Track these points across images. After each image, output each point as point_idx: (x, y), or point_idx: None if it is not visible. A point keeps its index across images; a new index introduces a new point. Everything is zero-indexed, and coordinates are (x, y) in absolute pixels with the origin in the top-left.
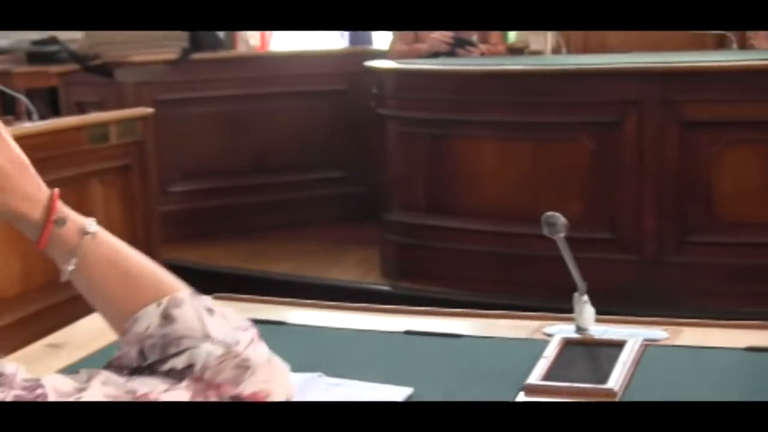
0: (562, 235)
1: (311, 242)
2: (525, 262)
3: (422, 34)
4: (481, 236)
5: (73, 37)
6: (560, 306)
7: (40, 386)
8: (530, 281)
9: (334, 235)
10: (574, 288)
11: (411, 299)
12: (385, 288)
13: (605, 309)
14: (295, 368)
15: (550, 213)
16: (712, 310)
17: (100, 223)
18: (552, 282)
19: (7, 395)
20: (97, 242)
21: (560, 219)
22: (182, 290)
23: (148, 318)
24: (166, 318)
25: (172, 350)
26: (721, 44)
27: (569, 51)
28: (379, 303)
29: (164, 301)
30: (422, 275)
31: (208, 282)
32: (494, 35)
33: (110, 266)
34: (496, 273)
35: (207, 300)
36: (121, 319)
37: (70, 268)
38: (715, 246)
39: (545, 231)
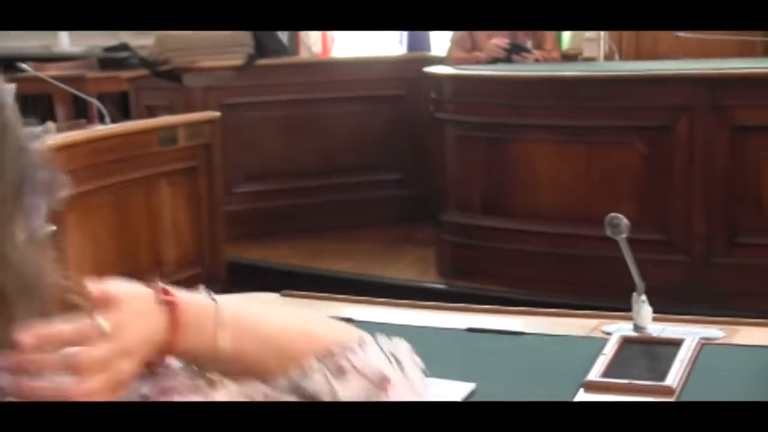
0: (624, 236)
1: (370, 242)
2: (578, 262)
3: (479, 40)
4: (535, 237)
5: (143, 44)
6: (613, 305)
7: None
8: (583, 281)
9: (392, 235)
10: (625, 288)
11: (466, 298)
12: (441, 287)
13: (655, 309)
14: None
15: (613, 214)
16: (761, 310)
17: (165, 222)
18: (604, 282)
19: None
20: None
21: (623, 220)
22: (311, 358)
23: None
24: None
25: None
26: None
27: (621, 57)
28: (435, 301)
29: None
30: (477, 274)
31: (271, 279)
32: (549, 41)
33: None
34: (550, 273)
35: (342, 357)
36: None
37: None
38: (764, 247)
39: (608, 232)
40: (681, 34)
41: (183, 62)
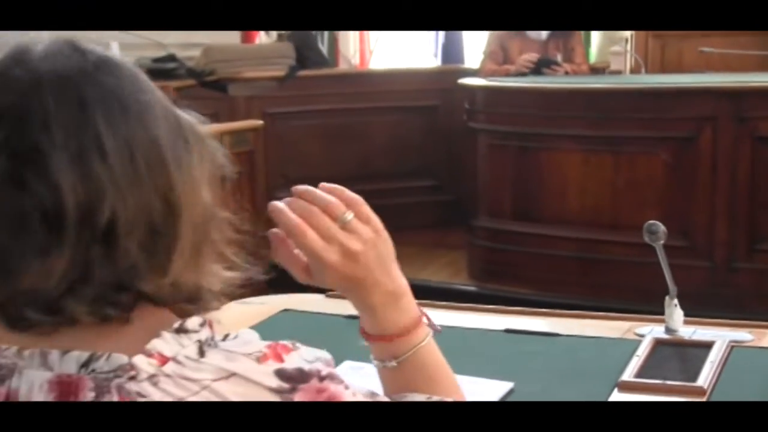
0: (661, 242)
1: (404, 245)
2: (605, 266)
3: (511, 54)
4: (564, 242)
5: (189, 55)
6: (637, 308)
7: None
8: (610, 284)
9: (425, 239)
10: (649, 291)
11: (496, 299)
12: (472, 289)
13: None
14: None
15: (652, 222)
16: None
17: None
18: (629, 286)
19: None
20: (420, 356)
21: (661, 227)
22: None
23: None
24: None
25: None
26: None
27: (647, 71)
28: (465, 302)
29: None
30: (507, 277)
31: None
32: (579, 55)
33: (419, 373)
34: (577, 276)
35: None
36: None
37: (390, 364)
38: None
39: (646, 238)
40: (705, 49)
41: (228, 73)
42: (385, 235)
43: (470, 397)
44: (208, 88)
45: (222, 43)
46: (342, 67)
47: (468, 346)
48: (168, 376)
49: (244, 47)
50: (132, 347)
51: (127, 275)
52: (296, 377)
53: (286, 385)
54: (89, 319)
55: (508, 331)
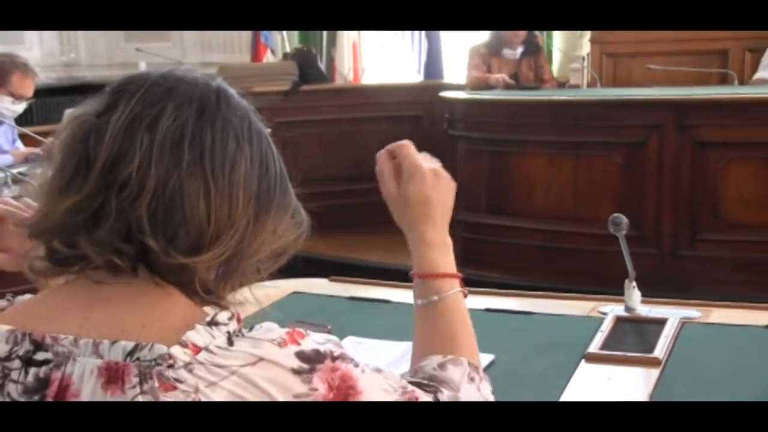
0: (624, 233)
1: (395, 236)
2: (568, 254)
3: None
4: (532, 233)
5: (207, 72)
6: (597, 290)
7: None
8: (571, 270)
9: None
10: (607, 275)
11: (474, 283)
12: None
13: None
14: (399, 338)
15: (616, 215)
16: (722, 293)
17: None
18: (589, 270)
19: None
20: (456, 300)
21: (624, 220)
22: (464, 357)
23: (431, 361)
24: (441, 367)
25: (432, 385)
26: (724, 80)
27: (602, 85)
28: None
29: (448, 357)
30: (483, 264)
31: (315, 268)
32: (546, 72)
33: (446, 318)
34: (544, 263)
35: (472, 371)
36: (417, 353)
37: (423, 301)
38: (721, 243)
39: (611, 229)
40: (651, 66)
41: (240, 88)
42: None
43: None
44: None
45: (235, 63)
46: (338, 82)
47: None
48: (201, 363)
49: (254, 65)
50: (165, 333)
51: (133, 230)
52: (314, 358)
53: (305, 366)
54: (99, 260)
55: (488, 310)
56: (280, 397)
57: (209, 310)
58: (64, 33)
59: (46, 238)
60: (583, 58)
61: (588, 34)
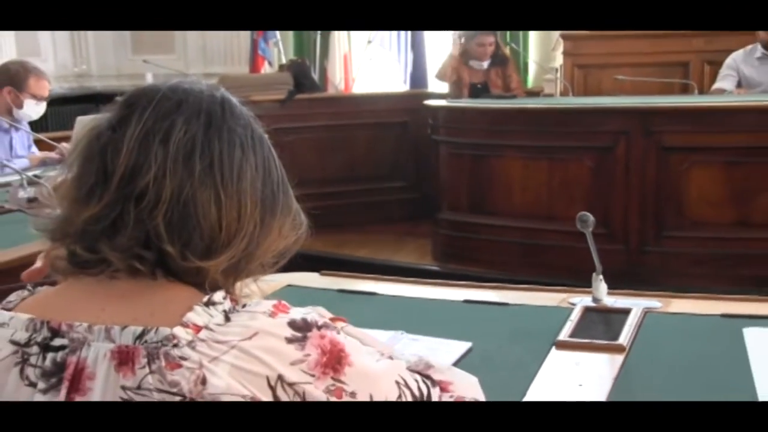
0: (590, 229)
1: (382, 234)
2: (542, 250)
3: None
4: (509, 230)
5: (209, 82)
6: (569, 283)
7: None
8: (546, 264)
9: (399, 229)
10: (579, 269)
11: (456, 277)
12: (436, 268)
13: None
14: (385, 327)
15: (583, 213)
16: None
17: None
18: (561, 265)
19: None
20: None
21: (591, 217)
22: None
23: None
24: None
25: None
26: (686, 90)
27: (574, 94)
28: (430, 279)
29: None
30: (464, 259)
31: (311, 263)
32: (514, 80)
33: None
34: (520, 258)
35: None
36: None
37: None
38: (684, 239)
39: (579, 226)
40: (619, 77)
41: (239, 97)
42: None
43: (437, 353)
44: None
45: (234, 73)
46: (330, 91)
47: (434, 314)
48: (203, 340)
49: (252, 76)
50: (170, 317)
51: (152, 237)
52: (303, 326)
53: (298, 334)
54: (120, 264)
55: (466, 301)
56: (278, 365)
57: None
58: (77, 46)
59: (67, 243)
60: (557, 70)
61: (561, 47)
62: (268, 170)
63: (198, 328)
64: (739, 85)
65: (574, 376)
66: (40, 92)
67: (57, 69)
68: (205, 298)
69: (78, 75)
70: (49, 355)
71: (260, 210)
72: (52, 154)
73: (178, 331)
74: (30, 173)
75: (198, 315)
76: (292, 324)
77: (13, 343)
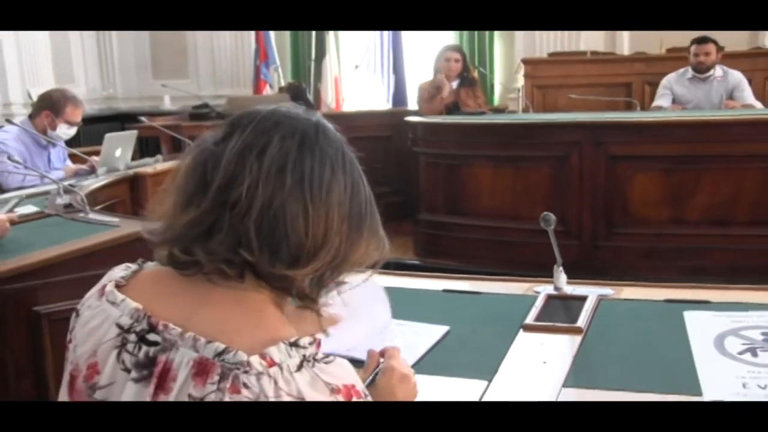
0: (552, 227)
1: None
2: (509, 245)
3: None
4: (480, 229)
5: (218, 103)
6: (532, 274)
7: None
8: (512, 258)
9: (384, 228)
10: (540, 262)
11: (434, 270)
12: (417, 262)
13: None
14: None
15: (546, 213)
16: (632, 276)
17: None
18: (525, 259)
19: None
20: None
21: (552, 217)
22: None
23: None
24: None
25: None
26: (629, 107)
27: (534, 110)
28: (412, 272)
29: None
30: (440, 254)
31: None
32: (480, 98)
33: None
34: (490, 253)
35: None
36: None
37: None
38: (630, 235)
39: (542, 224)
40: (572, 95)
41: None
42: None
43: (420, 336)
44: None
45: (240, 95)
46: (323, 110)
47: (416, 302)
48: (270, 377)
49: (255, 97)
50: (254, 343)
51: (242, 243)
52: None
53: None
54: (210, 267)
55: (444, 291)
56: None
57: (293, 331)
58: (105, 72)
59: (167, 246)
60: (519, 90)
61: (522, 70)
62: (356, 191)
63: (272, 363)
64: (673, 102)
65: (539, 355)
66: (74, 119)
67: (88, 92)
68: (293, 339)
69: (106, 97)
70: (144, 348)
71: (347, 226)
72: (84, 166)
73: (254, 360)
74: (65, 183)
75: (279, 352)
76: None
77: (118, 326)
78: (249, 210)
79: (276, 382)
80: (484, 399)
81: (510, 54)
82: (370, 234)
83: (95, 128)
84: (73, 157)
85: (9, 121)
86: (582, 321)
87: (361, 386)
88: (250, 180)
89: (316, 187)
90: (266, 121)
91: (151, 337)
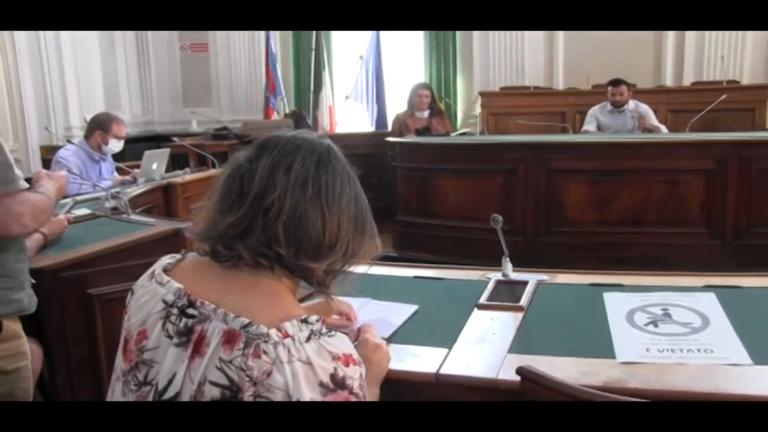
0: (500, 226)
1: None
2: (468, 241)
3: (408, 123)
4: (446, 228)
5: (235, 126)
6: (485, 263)
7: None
8: (470, 252)
9: None
10: (492, 255)
11: (409, 260)
12: (395, 254)
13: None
14: (358, 295)
15: (495, 215)
16: (567, 266)
17: None
18: (481, 251)
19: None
20: None
21: (500, 218)
22: None
23: None
24: None
25: None
26: (564, 130)
27: (489, 132)
28: (392, 263)
29: None
30: (414, 248)
31: None
32: (446, 124)
33: None
34: (453, 247)
35: None
36: None
37: None
38: (564, 233)
39: (492, 224)
40: (520, 121)
41: (256, 135)
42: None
43: (393, 313)
44: (245, 145)
45: (253, 120)
46: (320, 131)
47: (392, 286)
48: (284, 346)
49: (265, 121)
50: (273, 318)
51: (273, 241)
52: (340, 384)
53: (330, 385)
54: (250, 260)
55: (416, 277)
56: (306, 391)
57: (304, 311)
58: (145, 101)
59: (210, 243)
60: (477, 116)
61: (479, 101)
62: (359, 200)
63: (286, 335)
64: (598, 128)
65: (490, 328)
66: (120, 134)
67: (131, 117)
68: (304, 316)
69: (145, 122)
70: (184, 320)
71: (354, 227)
72: (128, 177)
73: (272, 332)
74: (112, 190)
75: (292, 326)
76: (333, 377)
77: (164, 301)
78: (279, 214)
79: (289, 350)
80: (446, 363)
81: (470, 88)
82: (371, 234)
83: (136, 146)
84: (119, 170)
85: (69, 141)
86: (524, 301)
87: (356, 355)
88: (279, 191)
89: (330, 197)
90: (290, 144)
91: (190, 311)
